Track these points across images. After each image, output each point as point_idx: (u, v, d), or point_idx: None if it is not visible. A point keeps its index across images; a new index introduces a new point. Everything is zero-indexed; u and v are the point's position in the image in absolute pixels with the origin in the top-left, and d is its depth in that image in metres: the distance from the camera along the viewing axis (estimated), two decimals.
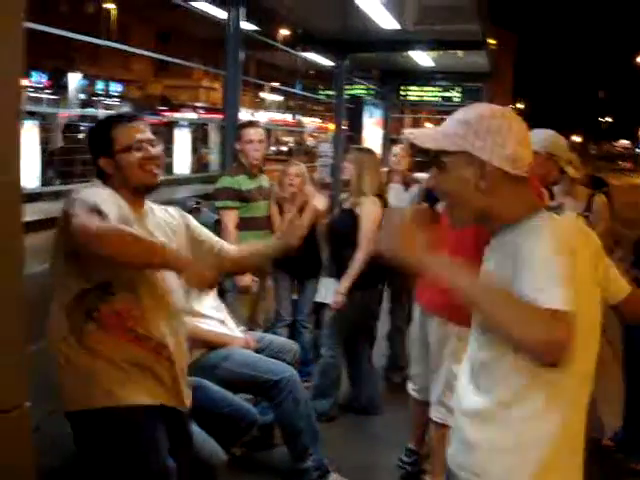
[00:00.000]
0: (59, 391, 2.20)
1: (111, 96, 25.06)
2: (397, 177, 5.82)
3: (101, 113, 18.49)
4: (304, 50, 8.26)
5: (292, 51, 7.84)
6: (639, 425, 4.07)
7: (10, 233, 1.49)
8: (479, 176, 1.60)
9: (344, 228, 4.55)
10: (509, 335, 1.49)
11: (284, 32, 8.20)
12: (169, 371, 2.35)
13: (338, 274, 4.64)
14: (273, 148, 26.69)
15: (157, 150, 2.41)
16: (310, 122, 31.23)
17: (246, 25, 5.65)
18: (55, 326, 2.19)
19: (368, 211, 4.46)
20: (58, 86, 23.57)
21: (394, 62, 10.78)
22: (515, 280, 1.50)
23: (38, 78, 22.85)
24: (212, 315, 3.68)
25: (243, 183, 4.58)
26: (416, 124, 19.91)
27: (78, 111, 22.34)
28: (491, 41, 10.08)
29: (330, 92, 11.13)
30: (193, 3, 5.94)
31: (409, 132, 1.75)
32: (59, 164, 14.00)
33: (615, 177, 30.59)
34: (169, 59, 6.26)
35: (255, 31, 6.55)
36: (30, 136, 10.47)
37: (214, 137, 20.74)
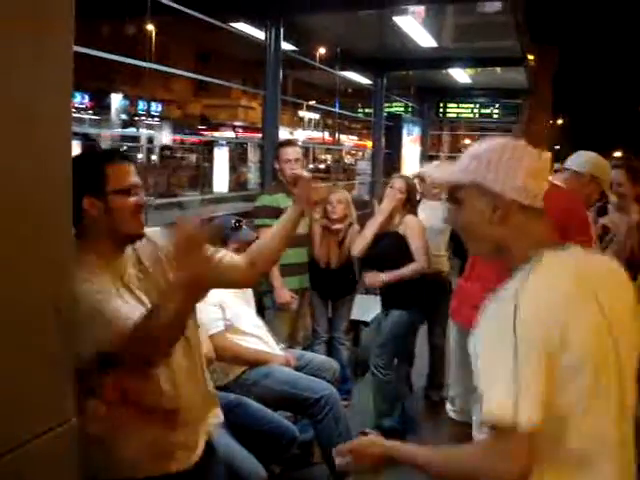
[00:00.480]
0: None
1: (152, 116, 25.44)
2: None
3: (143, 133, 18.76)
4: (342, 69, 8.30)
5: (330, 70, 7.89)
6: None
7: (61, 252, 1.52)
8: (492, 208, 1.60)
9: (391, 249, 4.58)
10: None
11: (322, 51, 8.25)
12: (183, 433, 2.15)
13: (382, 295, 4.69)
14: (311, 166, 26.80)
15: (144, 198, 2.13)
16: (348, 140, 31.33)
17: (284, 45, 5.71)
18: None
19: (415, 227, 4.56)
20: (100, 107, 24.03)
21: (432, 79, 10.80)
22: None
23: (80, 99, 23.31)
24: (253, 333, 3.70)
25: (282, 201, 4.61)
26: (454, 141, 19.85)
27: (119, 131, 22.74)
28: (530, 57, 10.03)
29: (368, 110, 11.15)
30: (232, 24, 6.02)
31: (423, 170, 1.80)
32: None
33: None
34: (209, 79, 6.35)
35: (293, 51, 6.61)
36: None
37: (252, 156, 20.93)
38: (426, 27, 6.71)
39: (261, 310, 4.43)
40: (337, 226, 4.92)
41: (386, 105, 10.10)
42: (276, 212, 4.57)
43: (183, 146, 24.59)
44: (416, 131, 11.16)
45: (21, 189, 1.37)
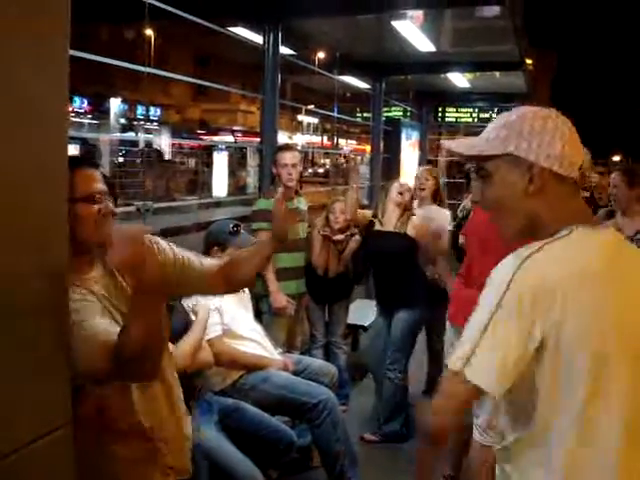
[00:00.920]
0: None
1: (151, 120, 25.45)
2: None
3: (141, 137, 18.77)
4: (341, 73, 8.30)
5: (329, 74, 7.89)
6: None
7: (56, 256, 1.52)
8: (527, 179, 1.51)
9: (398, 250, 4.59)
10: None
11: (321, 55, 8.26)
12: (162, 454, 2.13)
13: (384, 298, 4.70)
14: (310, 170, 26.81)
15: (112, 206, 2.02)
16: (347, 144, 31.35)
17: (283, 49, 5.71)
18: None
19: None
20: (99, 111, 24.03)
21: (431, 83, 10.81)
22: None
23: (79, 103, 23.32)
24: (250, 337, 3.70)
25: None
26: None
27: (118, 135, 22.74)
28: (528, 61, 10.05)
29: (367, 114, 11.15)
30: (231, 28, 6.02)
31: (450, 144, 1.67)
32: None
33: None
34: (208, 84, 6.35)
35: (292, 55, 6.61)
36: None
37: (252, 160, 20.92)
38: (424, 32, 6.71)
39: (258, 314, 4.42)
40: (338, 237, 4.91)
41: (385, 109, 10.10)
42: (272, 216, 4.58)
43: (182, 150, 24.58)
44: (415, 135, 11.15)
45: (17, 192, 1.37)
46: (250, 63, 8.85)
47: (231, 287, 2.48)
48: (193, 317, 3.20)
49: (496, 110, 12.62)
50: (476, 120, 12.91)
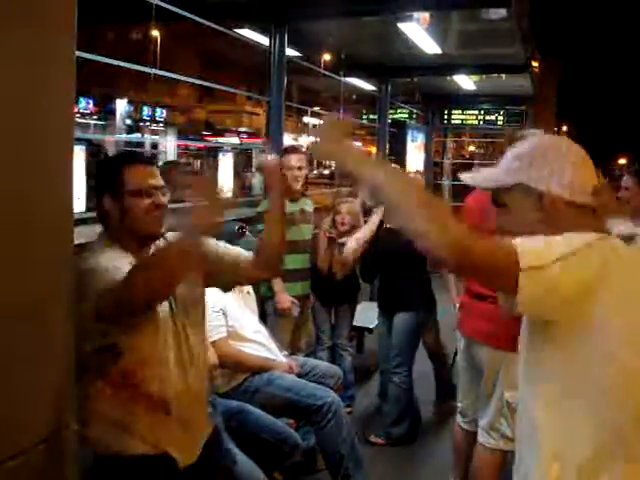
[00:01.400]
0: None
1: (157, 122, 25.44)
2: None
3: (147, 139, 18.78)
4: (347, 75, 8.30)
5: (335, 76, 7.90)
6: None
7: (61, 257, 1.52)
8: (538, 208, 1.55)
9: (399, 249, 4.55)
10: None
11: (327, 57, 8.26)
12: (176, 426, 2.22)
13: (384, 300, 4.68)
14: (315, 172, 26.77)
15: (166, 199, 2.22)
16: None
17: (289, 51, 5.72)
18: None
19: None
20: (105, 112, 24.04)
21: (436, 86, 10.81)
22: None
23: (85, 104, 23.35)
24: (255, 339, 3.68)
25: None
26: (459, 147, 19.84)
27: (123, 137, 22.78)
28: (534, 64, 10.04)
29: (373, 116, 11.15)
30: (237, 30, 6.03)
31: (468, 176, 1.70)
32: None
33: None
34: (214, 85, 6.35)
35: (297, 57, 6.62)
36: (76, 161, 10.69)
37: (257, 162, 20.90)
38: (430, 34, 6.71)
39: (263, 316, 4.41)
40: (343, 240, 4.88)
41: (391, 112, 10.11)
42: None
43: (187, 152, 24.59)
44: (420, 138, 11.16)
45: (21, 193, 1.37)
46: (256, 65, 8.87)
47: (269, 267, 2.55)
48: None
49: (502, 112, 12.62)
50: (482, 122, 12.91)
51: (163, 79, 4.51)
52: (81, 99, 22.19)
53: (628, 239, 1.63)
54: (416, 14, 6.02)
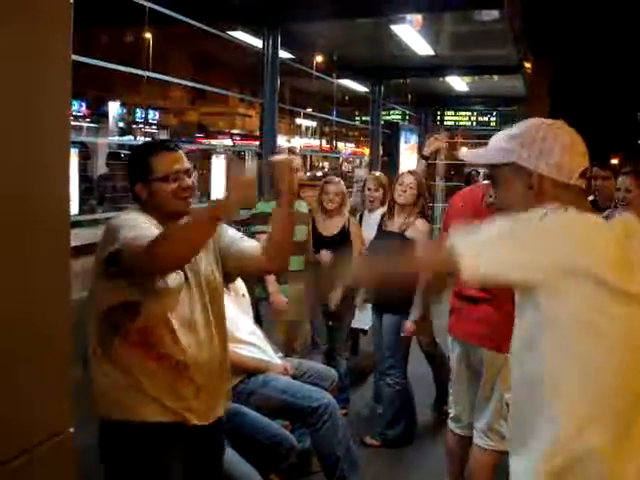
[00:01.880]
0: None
1: (150, 124, 25.42)
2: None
3: (140, 141, 18.68)
4: (340, 77, 8.31)
5: (327, 78, 7.90)
6: None
7: (59, 259, 1.52)
8: (527, 186, 1.62)
9: (390, 248, 4.53)
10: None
11: (319, 59, 8.27)
12: (191, 390, 2.33)
13: (383, 301, 4.66)
14: (308, 173, 26.78)
15: (192, 180, 2.42)
16: (345, 147, 31.33)
17: (282, 53, 5.72)
18: (87, 339, 2.26)
19: (425, 233, 4.45)
20: (98, 114, 23.99)
21: (429, 87, 10.83)
22: None
23: (78, 107, 23.28)
24: (250, 341, 3.68)
25: None
26: (452, 149, 19.87)
27: (116, 139, 22.72)
28: (527, 65, 10.07)
29: (366, 117, 11.16)
30: (230, 32, 6.03)
31: (462, 154, 1.84)
32: (103, 191, 14.16)
33: None
34: (207, 88, 6.35)
35: (291, 59, 6.62)
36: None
37: (250, 164, 20.89)
38: (423, 35, 6.72)
39: (258, 318, 4.41)
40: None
41: (384, 113, 10.12)
42: (270, 219, 4.57)
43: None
44: (413, 139, 11.18)
45: (21, 195, 1.37)
46: (248, 67, 8.86)
47: (277, 262, 2.62)
48: None
49: (495, 114, 12.64)
50: (475, 123, 12.93)
51: (156, 81, 4.51)
52: (74, 102, 22.15)
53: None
54: (409, 16, 6.03)
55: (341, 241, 4.95)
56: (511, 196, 1.67)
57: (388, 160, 9.76)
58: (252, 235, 4.41)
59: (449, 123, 12.95)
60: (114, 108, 23.77)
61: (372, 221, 5.22)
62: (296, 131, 34.36)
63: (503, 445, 3.21)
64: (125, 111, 24.91)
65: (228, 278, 3.04)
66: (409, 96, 11.80)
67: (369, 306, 5.03)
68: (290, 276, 4.58)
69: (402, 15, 5.97)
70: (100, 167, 14.55)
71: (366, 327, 5.69)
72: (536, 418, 1.55)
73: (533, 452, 1.55)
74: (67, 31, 1.48)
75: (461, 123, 13.01)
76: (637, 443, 1.49)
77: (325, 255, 4.82)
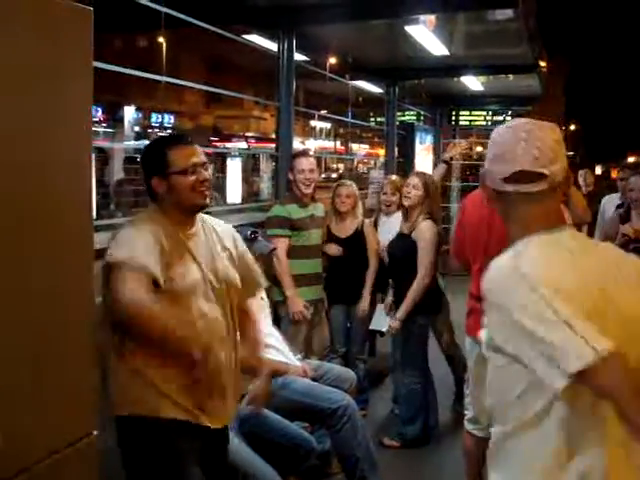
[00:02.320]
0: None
1: (165, 128, 25.51)
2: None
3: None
4: (354, 78, 8.31)
5: (342, 79, 7.91)
6: None
7: (83, 262, 1.54)
8: (497, 199, 1.63)
9: (402, 254, 4.56)
10: None
11: (334, 61, 8.27)
12: (205, 390, 2.34)
13: (396, 301, 4.66)
14: (323, 175, 26.77)
15: (209, 173, 2.45)
16: (360, 149, 31.28)
17: (296, 55, 5.73)
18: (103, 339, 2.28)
19: (426, 236, 4.46)
20: (113, 119, 24.12)
21: (444, 87, 10.80)
22: None
23: (94, 112, 23.42)
24: (270, 343, 3.69)
25: (293, 212, 4.62)
26: (467, 149, 19.80)
27: (131, 144, 22.82)
28: (542, 64, 10.02)
29: (380, 118, 11.15)
30: (245, 36, 6.05)
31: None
32: (120, 195, 14.18)
33: None
34: (223, 92, 6.38)
35: (305, 61, 6.63)
36: None
37: (265, 166, 20.92)
38: (438, 35, 6.71)
39: (276, 320, 4.42)
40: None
41: (398, 114, 10.11)
42: (288, 222, 4.60)
43: None
44: (428, 139, 11.15)
45: (46, 198, 1.39)
46: (262, 70, 8.88)
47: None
48: None
49: (510, 113, 12.59)
50: (490, 123, 12.86)
51: (171, 86, 4.53)
52: None
53: None
54: (423, 17, 6.02)
55: (356, 243, 4.96)
56: (498, 212, 1.70)
57: (403, 161, 9.74)
58: (269, 238, 4.43)
59: (464, 123, 12.89)
60: (129, 113, 23.87)
61: (388, 225, 5.24)
62: (311, 133, 34.38)
63: None
64: (141, 115, 25.03)
65: None
66: (424, 96, 11.77)
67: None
68: (301, 280, 4.60)
69: (416, 16, 5.96)
70: (117, 172, 14.62)
71: (383, 329, 5.68)
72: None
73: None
74: (88, 39, 1.50)
75: (476, 123, 12.95)
76: None
77: (333, 248, 4.85)
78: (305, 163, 4.68)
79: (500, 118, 12.67)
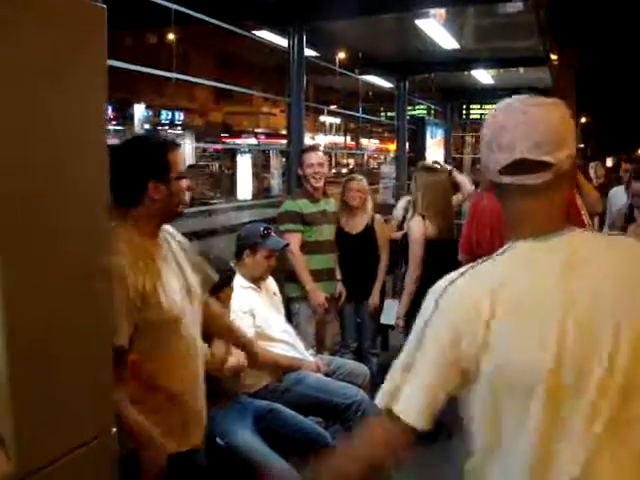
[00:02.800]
0: None
1: (175, 125, 25.58)
2: None
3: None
4: (364, 73, 8.30)
5: (352, 74, 7.90)
6: None
7: (102, 256, 1.55)
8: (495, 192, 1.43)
9: (402, 249, 4.60)
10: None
11: (344, 56, 8.26)
12: (180, 418, 2.28)
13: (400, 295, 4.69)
14: (334, 170, 26.75)
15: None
16: (370, 143, 31.28)
17: (306, 51, 5.72)
18: None
19: (412, 231, 4.49)
20: (124, 117, 24.19)
21: (455, 81, 10.78)
22: None
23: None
24: (282, 339, 3.70)
25: (304, 207, 4.62)
26: (478, 142, 19.77)
27: None
28: (553, 57, 9.98)
29: (391, 113, 11.12)
30: (255, 32, 6.05)
31: None
32: None
33: None
34: (233, 88, 6.38)
35: (315, 56, 6.62)
36: None
37: (275, 162, 20.94)
38: (448, 29, 6.69)
39: (289, 316, 4.43)
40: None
41: (409, 108, 10.07)
42: (299, 217, 4.60)
43: (206, 154, 24.66)
44: (439, 133, 11.11)
45: (63, 197, 1.39)
46: (271, 65, 8.87)
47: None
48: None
49: None
50: None
51: (180, 82, 4.54)
52: None
53: None
54: (433, 10, 6.00)
55: (367, 239, 4.98)
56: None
57: (414, 156, 9.71)
58: (280, 234, 4.43)
59: (475, 116, 12.86)
60: (139, 110, 23.94)
61: None
62: (321, 128, 34.37)
63: None
64: (151, 113, 25.09)
65: None
66: (434, 90, 11.74)
67: (396, 302, 5.04)
68: (314, 275, 4.60)
69: (426, 10, 5.94)
70: None
71: (393, 322, 5.67)
72: None
73: None
74: (102, 37, 1.50)
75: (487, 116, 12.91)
76: None
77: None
78: (314, 157, 4.69)
79: None
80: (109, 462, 1.60)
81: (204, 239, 4.83)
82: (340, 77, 7.92)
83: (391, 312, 5.65)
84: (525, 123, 1.32)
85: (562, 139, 1.32)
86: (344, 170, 27.70)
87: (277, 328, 3.72)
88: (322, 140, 30.23)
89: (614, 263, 1.32)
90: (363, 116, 9.36)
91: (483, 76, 10.05)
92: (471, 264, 1.39)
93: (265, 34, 6.22)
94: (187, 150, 20.57)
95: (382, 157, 17.54)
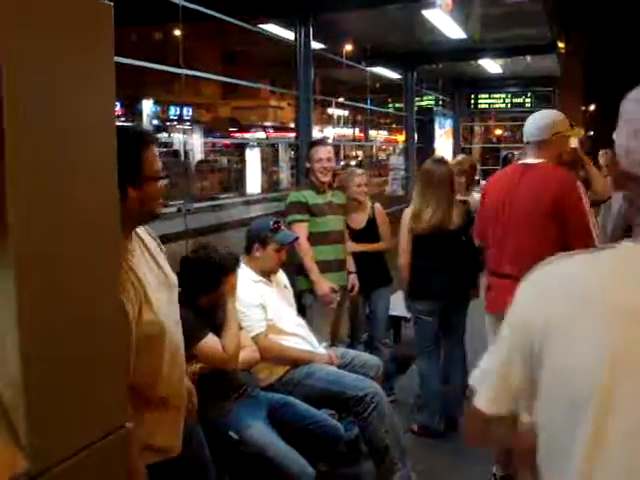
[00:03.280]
0: None
1: (184, 120, 25.61)
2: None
3: (175, 138, 18.83)
4: (372, 64, 8.28)
5: (359, 66, 7.88)
6: None
7: (112, 262, 1.55)
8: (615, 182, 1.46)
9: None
10: None
11: (351, 48, 8.24)
12: (174, 420, 2.22)
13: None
14: (342, 163, 26.73)
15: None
16: (379, 135, 31.20)
17: (313, 44, 5.71)
18: None
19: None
20: (132, 113, 24.25)
21: (462, 71, 10.75)
22: None
23: None
24: (295, 332, 3.71)
25: (310, 197, 4.60)
26: (487, 132, 19.69)
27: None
28: (560, 44, 9.92)
29: (399, 104, 11.09)
30: (261, 25, 6.04)
31: None
32: None
33: None
34: (241, 82, 6.38)
35: (322, 49, 6.61)
36: None
37: (284, 155, 20.96)
38: (455, 19, 6.67)
39: (301, 309, 4.43)
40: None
41: (417, 99, 10.06)
42: (305, 207, 4.59)
43: (214, 149, 24.70)
44: (448, 124, 11.09)
45: (72, 195, 1.40)
46: (278, 59, 8.86)
47: None
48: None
49: (529, 94, 12.48)
50: (509, 106, 12.78)
51: (187, 77, 4.53)
52: None
53: None
54: (439, 0, 5.98)
55: (370, 232, 5.01)
56: None
57: (423, 147, 9.69)
58: (287, 225, 4.42)
59: (483, 106, 12.82)
60: (147, 106, 23.99)
61: None
62: (329, 121, 34.28)
63: None
64: (159, 109, 25.14)
65: None
66: (442, 81, 11.71)
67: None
68: (322, 266, 4.58)
69: (432, 0, 5.93)
70: None
71: (408, 315, 5.66)
72: None
73: None
74: (109, 34, 1.51)
75: (495, 105, 12.87)
76: None
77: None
78: (322, 151, 4.66)
79: (520, 100, 12.57)
80: (121, 460, 1.61)
81: (214, 234, 4.83)
82: (347, 69, 7.90)
83: (402, 304, 5.65)
84: None
85: None
86: (353, 162, 27.67)
87: (289, 321, 3.72)
88: (330, 132, 30.16)
89: None
90: (371, 108, 9.34)
91: (491, 65, 10.02)
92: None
93: (271, 27, 6.21)
94: (196, 145, 20.59)
95: (391, 148, 17.50)
